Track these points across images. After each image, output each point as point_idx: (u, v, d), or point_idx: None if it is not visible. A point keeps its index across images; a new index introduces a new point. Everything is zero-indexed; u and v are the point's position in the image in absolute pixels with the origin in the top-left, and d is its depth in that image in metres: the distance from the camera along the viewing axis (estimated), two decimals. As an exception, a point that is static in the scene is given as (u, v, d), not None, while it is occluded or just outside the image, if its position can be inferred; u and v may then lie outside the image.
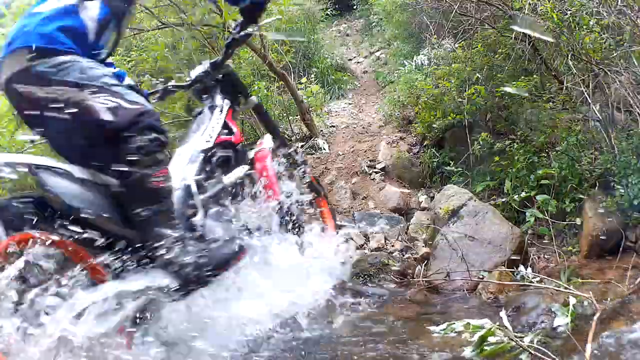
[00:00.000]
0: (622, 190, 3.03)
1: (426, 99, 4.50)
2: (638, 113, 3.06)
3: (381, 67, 7.91)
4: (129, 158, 1.68)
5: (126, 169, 1.68)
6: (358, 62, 8.62)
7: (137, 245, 1.74)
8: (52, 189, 1.62)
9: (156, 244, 1.72)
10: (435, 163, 4.38)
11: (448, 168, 4.19)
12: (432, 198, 3.98)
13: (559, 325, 2.13)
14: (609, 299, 2.21)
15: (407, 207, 4.14)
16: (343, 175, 4.55)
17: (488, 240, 3.12)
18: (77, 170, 1.72)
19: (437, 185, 4.28)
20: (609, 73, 3.19)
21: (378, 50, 8.58)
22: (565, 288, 2.30)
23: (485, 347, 1.84)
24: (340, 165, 4.77)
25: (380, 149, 4.84)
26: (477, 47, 4.44)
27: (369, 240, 3.78)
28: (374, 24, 8.98)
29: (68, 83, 1.65)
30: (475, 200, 3.43)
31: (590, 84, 3.29)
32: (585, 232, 3.16)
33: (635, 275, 2.49)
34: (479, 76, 4.31)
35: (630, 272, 2.48)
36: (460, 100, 4.26)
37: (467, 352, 1.88)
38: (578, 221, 3.25)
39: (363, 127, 5.57)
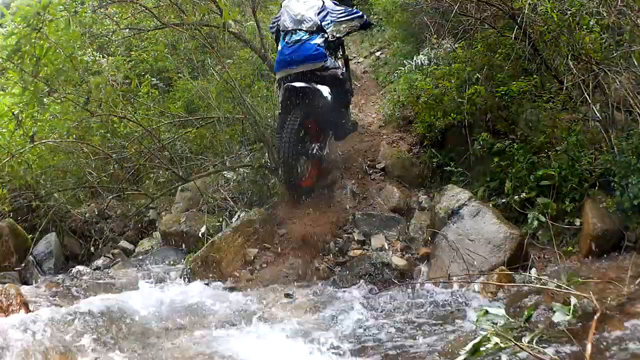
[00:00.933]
0: (622, 190, 3.03)
1: (426, 99, 4.50)
2: (638, 113, 3.06)
3: (381, 67, 7.89)
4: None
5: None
6: (358, 62, 8.60)
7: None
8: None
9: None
10: (435, 163, 4.38)
11: (448, 168, 4.19)
12: (432, 198, 3.97)
13: (558, 325, 2.13)
14: (609, 299, 2.21)
15: (407, 207, 4.14)
16: (343, 175, 4.55)
17: (488, 240, 3.12)
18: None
19: (437, 185, 4.28)
20: (609, 73, 3.19)
21: (378, 50, 8.56)
22: (566, 288, 2.29)
23: (481, 349, 1.84)
24: (340, 165, 4.77)
25: (380, 149, 4.83)
26: (477, 47, 4.44)
27: (369, 240, 3.78)
28: (373, 24, 8.97)
29: None
30: (475, 200, 3.43)
31: (590, 84, 3.29)
32: (585, 232, 3.16)
33: (635, 275, 2.49)
34: (479, 76, 4.31)
35: (630, 272, 2.48)
36: (460, 100, 4.25)
37: (467, 354, 1.88)
38: (578, 222, 3.25)
39: (363, 127, 5.56)
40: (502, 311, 1.98)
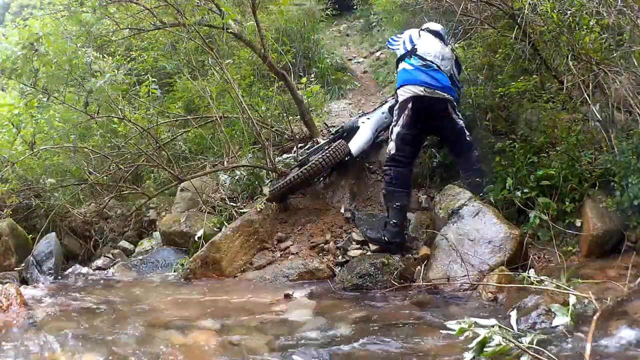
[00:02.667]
0: (622, 190, 3.03)
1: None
2: (638, 113, 3.05)
3: (381, 67, 7.90)
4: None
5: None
6: (358, 62, 8.60)
7: None
8: None
9: None
10: (435, 163, 4.38)
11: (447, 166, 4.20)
12: (432, 198, 3.97)
13: (558, 325, 2.13)
14: (609, 299, 2.21)
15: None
16: (343, 175, 4.55)
17: (488, 240, 3.12)
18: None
19: (437, 185, 4.27)
20: (609, 73, 3.18)
21: (378, 50, 8.57)
22: (565, 288, 2.29)
23: (486, 350, 1.84)
24: (340, 165, 4.76)
25: (380, 149, 4.83)
26: (477, 47, 4.44)
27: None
28: (374, 24, 8.97)
29: None
30: (475, 200, 3.43)
31: (590, 84, 3.28)
32: (585, 232, 3.16)
33: (635, 275, 2.49)
34: (479, 76, 4.31)
35: (630, 272, 2.48)
36: (461, 100, 4.25)
37: (467, 357, 1.87)
38: (578, 222, 3.25)
39: (363, 127, 5.56)
40: (493, 321, 1.95)
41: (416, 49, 3.83)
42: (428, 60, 3.73)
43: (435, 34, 4.02)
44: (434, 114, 3.68)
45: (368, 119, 4.40)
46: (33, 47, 3.58)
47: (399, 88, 3.76)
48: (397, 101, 3.78)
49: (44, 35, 3.63)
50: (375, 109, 4.65)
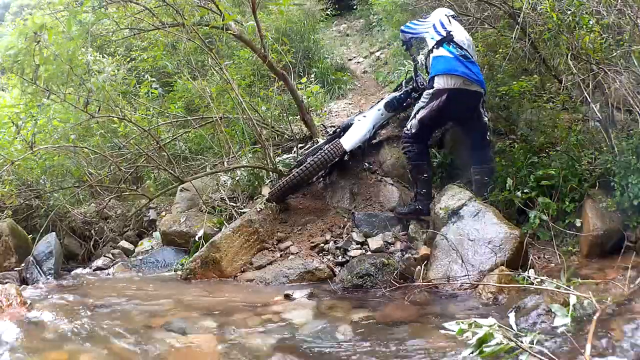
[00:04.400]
0: (622, 190, 3.03)
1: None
2: (638, 113, 3.05)
3: (381, 67, 7.90)
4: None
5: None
6: (358, 62, 8.60)
7: None
8: None
9: None
10: (435, 163, 4.38)
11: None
12: (433, 198, 3.97)
13: (558, 326, 2.12)
14: (609, 299, 2.21)
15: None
16: (343, 175, 4.55)
17: (488, 240, 3.12)
18: None
19: (437, 185, 4.28)
20: (609, 73, 3.18)
21: (378, 50, 8.57)
22: (565, 288, 2.29)
23: (485, 349, 1.83)
24: (340, 165, 4.77)
25: (380, 149, 4.83)
26: (477, 47, 4.44)
27: (369, 240, 3.78)
28: (374, 24, 8.98)
29: None
30: (475, 200, 3.43)
31: (590, 84, 3.28)
32: (585, 232, 3.16)
33: (636, 275, 2.49)
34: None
35: (630, 272, 2.48)
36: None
37: (466, 353, 1.87)
38: (578, 222, 3.25)
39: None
40: (492, 320, 1.95)
41: (452, 35, 3.74)
42: (465, 50, 3.68)
43: (457, 19, 4.03)
44: (467, 107, 3.69)
45: (364, 116, 4.40)
46: (36, 36, 3.54)
47: (437, 75, 3.65)
48: (431, 86, 3.71)
49: (46, 27, 3.60)
50: (371, 107, 4.65)
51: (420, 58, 4.24)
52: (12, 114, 4.38)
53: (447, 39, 3.71)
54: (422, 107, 3.74)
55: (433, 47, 3.78)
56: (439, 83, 3.63)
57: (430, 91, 3.69)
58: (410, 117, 3.87)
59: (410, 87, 4.44)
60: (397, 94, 4.50)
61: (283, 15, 6.73)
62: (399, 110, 4.53)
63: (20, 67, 3.72)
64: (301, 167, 4.02)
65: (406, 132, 3.85)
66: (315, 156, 4.02)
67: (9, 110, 4.52)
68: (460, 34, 3.80)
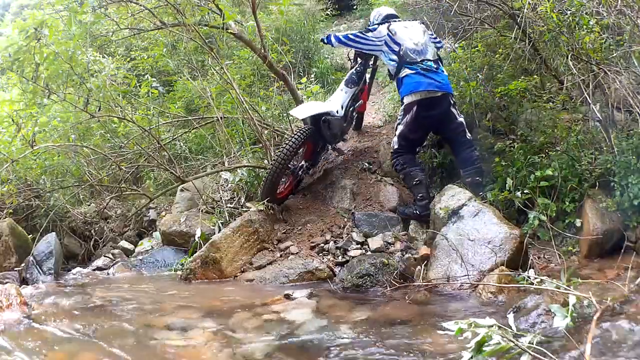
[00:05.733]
0: (622, 190, 3.03)
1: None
2: (638, 113, 3.06)
3: (381, 67, 7.90)
4: None
5: None
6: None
7: None
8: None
9: None
10: (435, 163, 4.38)
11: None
12: (432, 198, 3.97)
13: (558, 326, 2.12)
14: (609, 299, 2.21)
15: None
16: (343, 175, 4.55)
17: (488, 240, 3.12)
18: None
19: (437, 185, 4.28)
20: (609, 73, 3.19)
21: (378, 50, 8.56)
22: (565, 288, 2.29)
23: (484, 349, 1.83)
24: (340, 165, 4.77)
25: (380, 149, 4.84)
26: (477, 47, 4.44)
27: (369, 240, 3.78)
28: (374, 24, 8.97)
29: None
30: (475, 200, 3.43)
31: (590, 84, 3.28)
32: (585, 232, 3.16)
33: (636, 275, 2.49)
34: (479, 76, 4.31)
35: (630, 272, 2.48)
36: (461, 100, 4.26)
37: (466, 357, 1.87)
38: (578, 222, 3.25)
39: (363, 127, 5.57)
40: (492, 321, 1.94)
41: (404, 49, 3.97)
42: (424, 61, 3.91)
43: (395, 16, 4.37)
44: (439, 112, 3.89)
45: (329, 100, 4.50)
46: (36, 33, 3.54)
47: (405, 95, 3.94)
48: (403, 103, 4.00)
49: (46, 24, 3.59)
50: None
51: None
52: (12, 113, 4.37)
53: (404, 62, 3.95)
54: (399, 124, 4.04)
55: (397, 71, 4.03)
56: (408, 99, 3.93)
57: (402, 107, 4.00)
58: (393, 136, 4.15)
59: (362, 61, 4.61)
60: (353, 70, 4.60)
61: (283, 15, 6.73)
62: (360, 82, 4.60)
63: (20, 67, 3.72)
64: (272, 159, 4.11)
65: (392, 149, 4.12)
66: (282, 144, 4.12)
67: (9, 108, 4.51)
68: (412, 37, 4.03)
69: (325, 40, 4.38)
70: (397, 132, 4.03)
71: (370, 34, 4.17)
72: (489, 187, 3.73)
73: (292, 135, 4.10)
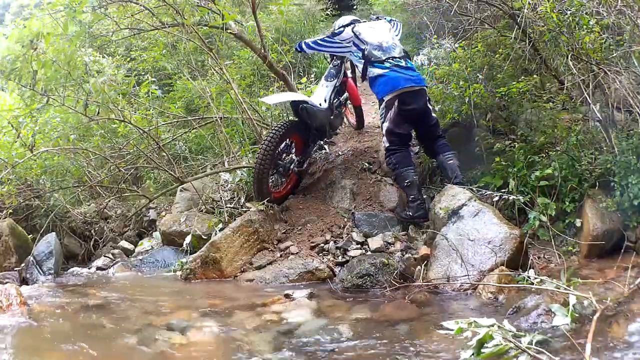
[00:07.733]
0: (622, 190, 3.03)
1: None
2: (638, 113, 3.06)
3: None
4: None
5: None
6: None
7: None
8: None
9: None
10: (434, 163, 4.38)
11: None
12: (432, 198, 3.97)
13: (558, 326, 2.12)
14: (609, 299, 2.21)
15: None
16: (343, 175, 4.55)
17: (488, 240, 3.12)
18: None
19: (437, 185, 4.28)
20: (609, 73, 3.19)
21: (378, 50, 8.57)
22: (565, 288, 2.29)
23: (484, 350, 1.83)
24: (340, 165, 4.77)
25: (380, 149, 4.83)
26: (477, 47, 4.44)
27: (369, 240, 3.78)
28: (374, 24, 8.97)
29: None
30: (475, 200, 3.43)
31: (590, 84, 3.28)
32: (585, 232, 3.16)
33: (636, 275, 2.49)
34: (479, 76, 4.31)
35: (630, 272, 2.48)
36: (461, 100, 4.26)
37: (466, 355, 1.87)
38: (578, 222, 3.25)
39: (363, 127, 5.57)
40: (491, 320, 1.94)
41: (368, 48, 4.04)
42: (390, 58, 3.97)
43: (357, 21, 4.46)
44: (420, 104, 3.97)
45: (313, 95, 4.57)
46: (32, 44, 3.56)
47: (385, 95, 4.00)
48: (382, 100, 4.07)
49: (43, 34, 3.61)
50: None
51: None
52: (11, 118, 4.38)
53: (370, 61, 4.03)
54: (383, 122, 4.09)
55: (366, 68, 4.10)
56: (387, 97, 3.99)
57: (383, 105, 4.05)
58: (382, 136, 4.21)
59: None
60: (331, 64, 4.74)
61: (283, 15, 6.73)
62: (339, 75, 4.69)
63: (18, 75, 3.73)
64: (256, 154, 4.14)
65: (384, 148, 4.15)
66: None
67: (9, 113, 4.53)
68: (377, 36, 4.11)
69: (298, 49, 4.58)
70: (384, 130, 4.08)
71: (336, 37, 4.31)
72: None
73: (272, 128, 4.14)
